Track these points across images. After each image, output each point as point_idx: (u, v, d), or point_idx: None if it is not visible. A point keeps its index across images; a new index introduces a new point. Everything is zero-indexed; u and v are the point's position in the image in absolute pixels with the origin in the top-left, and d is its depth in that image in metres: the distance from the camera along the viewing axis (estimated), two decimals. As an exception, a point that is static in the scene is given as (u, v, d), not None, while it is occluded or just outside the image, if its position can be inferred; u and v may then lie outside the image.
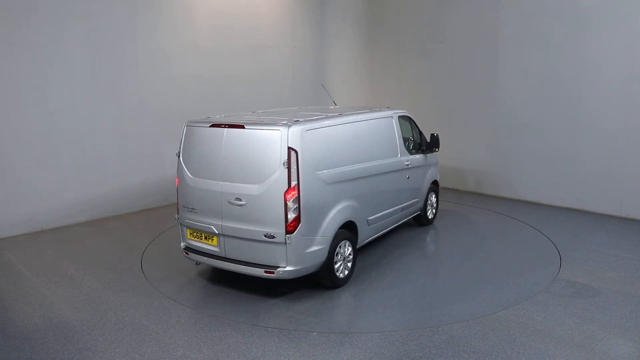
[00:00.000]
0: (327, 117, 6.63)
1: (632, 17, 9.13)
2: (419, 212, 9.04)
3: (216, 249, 6.49)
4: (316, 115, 6.71)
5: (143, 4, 10.02)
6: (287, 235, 5.91)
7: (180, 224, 6.91)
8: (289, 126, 5.93)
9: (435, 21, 12.10)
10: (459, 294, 6.74)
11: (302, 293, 6.65)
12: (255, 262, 6.20)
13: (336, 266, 6.54)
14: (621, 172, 9.57)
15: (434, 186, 9.38)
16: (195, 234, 6.70)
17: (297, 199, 5.88)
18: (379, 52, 13.48)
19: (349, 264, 6.81)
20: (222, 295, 6.83)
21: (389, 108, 8.52)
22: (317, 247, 6.20)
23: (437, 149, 9.08)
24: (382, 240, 8.50)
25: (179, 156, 6.79)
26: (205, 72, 11.04)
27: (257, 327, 5.80)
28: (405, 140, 8.38)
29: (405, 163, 8.16)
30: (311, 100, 12.99)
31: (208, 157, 6.43)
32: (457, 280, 7.24)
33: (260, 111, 8.04)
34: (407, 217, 8.68)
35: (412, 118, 8.82)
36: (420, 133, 8.89)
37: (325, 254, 6.32)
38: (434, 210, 9.49)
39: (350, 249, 6.78)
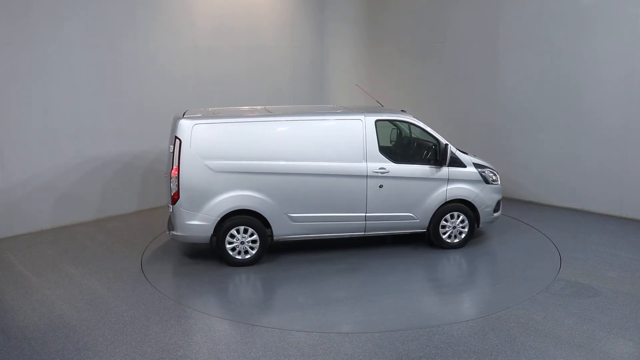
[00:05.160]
0: (233, 116, 7.57)
1: (632, 17, 9.13)
2: (423, 230, 8.02)
3: None
4: (230, 113, 7.79)
5: (143, 3, 10.02)
6: (170, 205, 7.33)
7: None
8: (179, 119, 7.27)
9: (435, 21, 12.09)
10: (459, 293, 6.75)
11: (295, 292, 6.67)
12: (170, 224, 7.68)
13: (230, 246, 7.39)
14: (621, 172, 9.57)
15: (464, 206, 7.98)
16: None
17: (177, 178, 7.13)
18: (378, 52, 13.48)
19: (254, 250, 7.47)
20: (223, 295, 6.84)
21: (404, 111, 8.30)
22: (200, 222, 7.27)
23: (445, 163, 7.82)
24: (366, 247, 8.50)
25: None
26: (205, 71, 11.03)
27: (257, 327, 5.81)
28: (394, 145, 8.19)
29: (375, 170, 7.59)
30: (312, 99, 12.99)
31: None
32: (457, 280, 7.25)
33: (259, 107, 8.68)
34: (392, 230, 7.93)
35: (416, 124, 7.98)
36: (439, 142, 7.87)
37: (210, 231, 7.32)
38: (460, 235, 8.08)
39: (255, 236, 7.44)
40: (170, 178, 7.26)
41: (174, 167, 7.16)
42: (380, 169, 7.65)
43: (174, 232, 7.44)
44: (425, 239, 8.21)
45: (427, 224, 7.97)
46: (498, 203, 8.32)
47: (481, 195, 8.06)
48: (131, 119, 10.12)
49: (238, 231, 7.39)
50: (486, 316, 6.00)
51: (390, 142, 8.60)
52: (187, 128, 7.19)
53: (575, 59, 9.89)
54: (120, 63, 9.86)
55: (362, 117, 7.70)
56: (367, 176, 7.62)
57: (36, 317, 6.05)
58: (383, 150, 7.80)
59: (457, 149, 8.14)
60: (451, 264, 7.73)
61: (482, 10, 11.20)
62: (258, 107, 8.71)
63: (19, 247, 8.40)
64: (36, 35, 8.80)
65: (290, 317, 6.08)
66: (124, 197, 10.21)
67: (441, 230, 8.02)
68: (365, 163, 7.61)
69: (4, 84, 8.57)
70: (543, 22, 10.26)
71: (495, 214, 8.33)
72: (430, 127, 8.10)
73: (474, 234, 8.24)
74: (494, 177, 8.25)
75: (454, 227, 8.05)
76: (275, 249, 8.04)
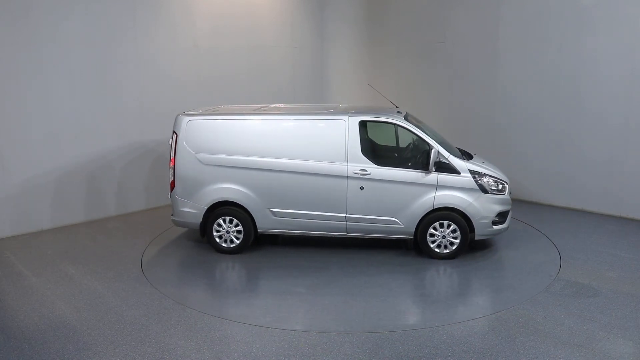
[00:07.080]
0: (224, 114, 8.03)
1: (632, 17, 9.13)
2: (410, 237, 7.73)
3: None
4: (223, 111, 8.24)
5: (143, 3, 10.01)
6: (169, 192, 8.07)
7: None
8: (177, 115, 8.01)
9: (435, 21, 12.10)
10: (458, 293, 6.75)
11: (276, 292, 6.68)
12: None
13: (217, 234, 7.93)
14: (621, 172, 9.57)
15: (456, 215, 7.49)
16: None
17: (174, 168, 7.88)
18: (378, 52, 13.48)
19: (238, 240, 7.91)
20: (222, 295, 6.84)
21: (400, 112, 8.05)
22: (191, 210, 7.92)
23: (429, 168, 7.42)
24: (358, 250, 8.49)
25: None
26: (205, 71, 11.02)
27: (257, 327, 5.81)
28: (380, 147, 8.20)
29: (355, 172, 7.48)
30: (311, 99, 12.99)
31: None
32: (456, 279, 7.25)
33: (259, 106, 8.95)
34: (375, 233, 7.75)
35: (405, 126, 7.63)
36: (430, 146, 7.47)
37: (200, 218, 7.89)
38: (450, 246, 7.63)
39: (240, 227, 7.87)
40: (169, 167, 8.02)
41: (171, 158, 7.90)
42: (360, 170, 7.53)
43: (173, 217, 8.17)
44: (412, 246, 7.87)
45: (412, 230, 7.63)
46: (501, 215, 7.68)
47: (475, 205, 7.47)
48: (131, 119, 10.12)
49: (225, 221, 7.88)
50: (486, 316, 6.00)
51: (405, 146, 8.43)
52: (182, 123, 7.91)
53: (575, 58, 9.90)
54: (120, 63, 9.85)
55: (345, 117, 7.65)
56: (347, 177, 7.55)
57: (36, 317, 6.05)
58: (367, 151, 7.64)
59: (460, 150, 8.08)
60: (450, 263, 7.73)
61: (482, 10, 11.20)
62: (273, 105, 9.07)
63: (19, 247, 8.40)
64: (36, 35, 8.80)
65: (288, 316, 6.07)
66: (124, 197, 10.21)
67: (430, 239, 7.63)
68: (346, 164, 7.57)
69: (4, 84, 8.57)
70: (543, 21, 10.26)
71: (497, 227, 7.66)
72: (428, 127, 7.98)
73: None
74: (498, 187, 7.62)
75: (444, 237, 7.61)
76: (286, 242, 8.04)
